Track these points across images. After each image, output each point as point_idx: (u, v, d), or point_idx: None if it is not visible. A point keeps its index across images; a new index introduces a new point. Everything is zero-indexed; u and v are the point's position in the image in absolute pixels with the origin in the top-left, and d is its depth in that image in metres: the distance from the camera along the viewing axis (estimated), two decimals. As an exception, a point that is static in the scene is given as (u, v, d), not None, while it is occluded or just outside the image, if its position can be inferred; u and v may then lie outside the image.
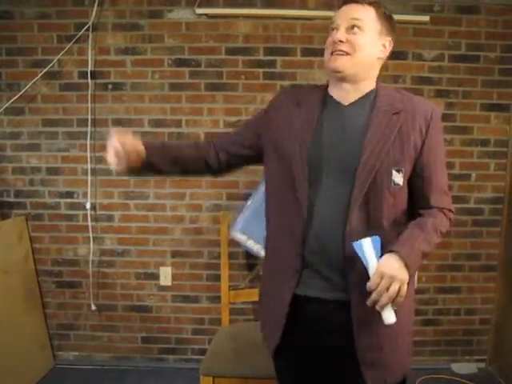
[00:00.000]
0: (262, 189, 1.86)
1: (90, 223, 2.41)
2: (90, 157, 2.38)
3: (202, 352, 2.25)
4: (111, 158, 1.13)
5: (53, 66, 2.32)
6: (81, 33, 2.29)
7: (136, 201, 2.43)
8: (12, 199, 2.44)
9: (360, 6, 1.14)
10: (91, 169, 2.39)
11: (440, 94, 2.36)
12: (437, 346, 2.51)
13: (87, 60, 2.31)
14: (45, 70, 2.31)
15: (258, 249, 2.11)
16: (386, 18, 1.16)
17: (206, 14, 2.30)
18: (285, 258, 1.18)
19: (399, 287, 1.00)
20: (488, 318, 2.50)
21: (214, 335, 1.99)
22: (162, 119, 2.38)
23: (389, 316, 1.01)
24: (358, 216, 1.10)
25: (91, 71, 2.32)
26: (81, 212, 2.43)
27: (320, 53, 1.25)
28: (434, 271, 2.45)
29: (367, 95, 1.17)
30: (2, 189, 2.43)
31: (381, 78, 1.22)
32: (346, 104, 1.17)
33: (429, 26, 2.31)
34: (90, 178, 2.39)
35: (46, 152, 2.41)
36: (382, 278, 1.00)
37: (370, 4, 1.14)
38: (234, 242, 2.15)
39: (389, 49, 1.18)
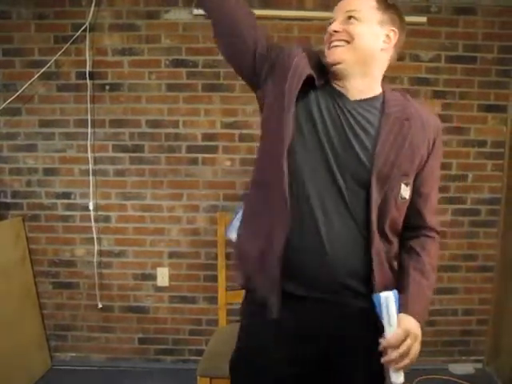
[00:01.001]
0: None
1: (93, 224, 2.41)
2: (90, 157, 2.38)
3: (199, 353, 2.25)
4: None
5: (50, 66, 2.31)
6: (78, 33, 2.29)
7: (133, 201, 2.43)
8: (9, 200, 2.44)
9: None
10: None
11: (437, 94, 2.36)
12: (434, 347, 2.51)
13: (84, 61, 2.30)
14: (42, 71, 2.30)
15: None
16: (388, 7, 1.10)
17: (203, 15, 2.29)
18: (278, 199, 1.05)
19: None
20: (485, 318, 2.51)
21: (211, 336, 1.98)
22: (160, 120, 2.38)
23: (399, 376, 0.96)
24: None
25: (89, 72, 2.32)
26: (78, 213, 2.43)
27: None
28: (431, 272, 2.45)
29: (376, 98, 1.10)
30: (-2, 189, 2.43)
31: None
32: (353, 101, 1.08)
33: (426, 27, 2.31)
34: (91, 178, 2.39)
35: (42, 153, 2.41)
36: (407, 335, 0.96)
37: None
38: (231, 243, 2.14)
39: (394, 40, 1.11)
